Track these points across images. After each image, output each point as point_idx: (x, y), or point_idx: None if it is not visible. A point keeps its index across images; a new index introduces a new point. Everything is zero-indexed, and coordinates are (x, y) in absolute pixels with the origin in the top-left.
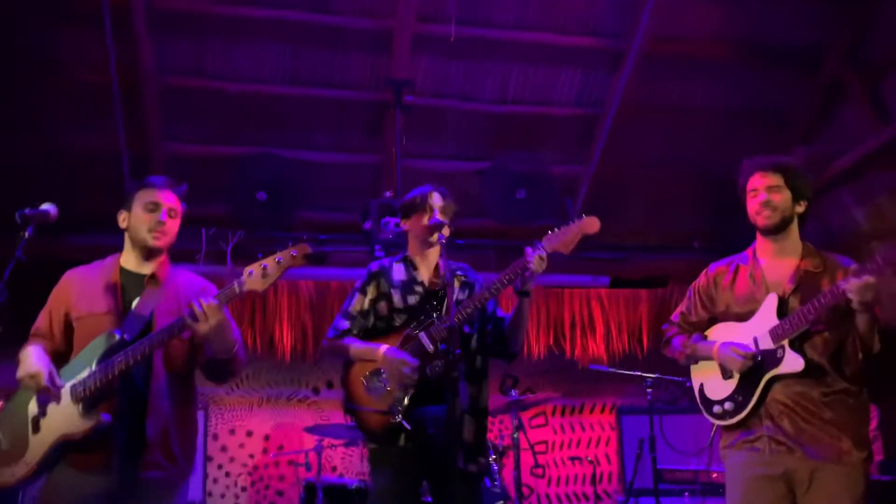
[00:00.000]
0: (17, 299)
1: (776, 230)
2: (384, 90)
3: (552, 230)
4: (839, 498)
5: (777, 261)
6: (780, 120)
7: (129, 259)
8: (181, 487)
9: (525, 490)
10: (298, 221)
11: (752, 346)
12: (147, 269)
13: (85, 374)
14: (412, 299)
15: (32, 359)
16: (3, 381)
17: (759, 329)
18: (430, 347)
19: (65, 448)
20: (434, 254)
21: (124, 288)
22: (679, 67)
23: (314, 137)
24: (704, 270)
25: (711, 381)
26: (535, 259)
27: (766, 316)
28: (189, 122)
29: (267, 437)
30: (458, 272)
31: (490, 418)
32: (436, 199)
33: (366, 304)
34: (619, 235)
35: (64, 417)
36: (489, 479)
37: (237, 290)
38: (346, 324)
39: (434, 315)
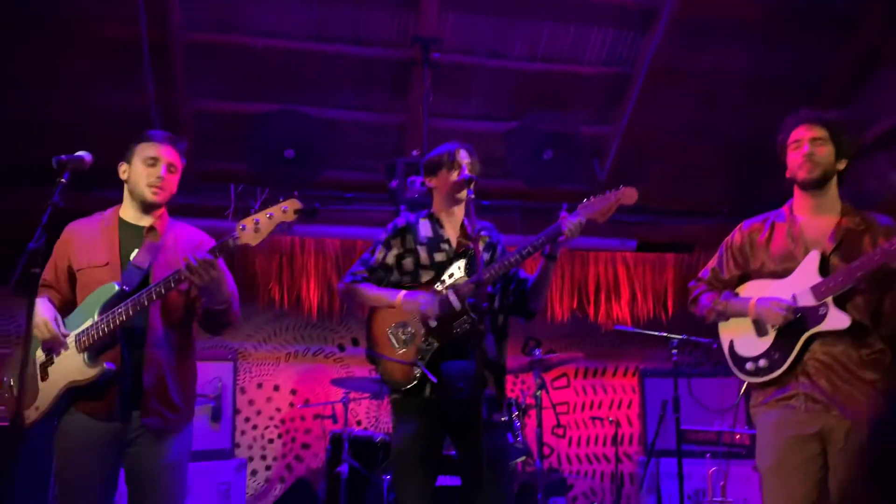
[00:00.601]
0: (51, 252)
1: (816, 185)
2: (411, 47)
3: (588, 198)
4: (848, 467)
5: (816, 218)
6: (814, 86)
7: (127, 211)
8: (182, 433)
9: (546, 449)
10: (325, 180)
11: (788, 301)
12: (146, 221)
13: (88, 324)
14: (439, 256)
15: (38, 309)
16: None
17: (797, 286)
18: (458, 305)
19: (72, 394)
20: (460, 211)
21: (122, 240)
22: (712, 30)
23: (340, 96)
24: (738, 227)
25: (743, 338)
26: (573, 225)
27: (807, 273)
28: (217, 78)
29: (294, 392)
30: (483, 232)
31: (512, 377)
32: (463, 156)
33: (389, 258)
34: (647, 199)
35: (70, 365)
36: (511, 434)
37: (230, 243)
38: (364, 272)
39: (460, 273)
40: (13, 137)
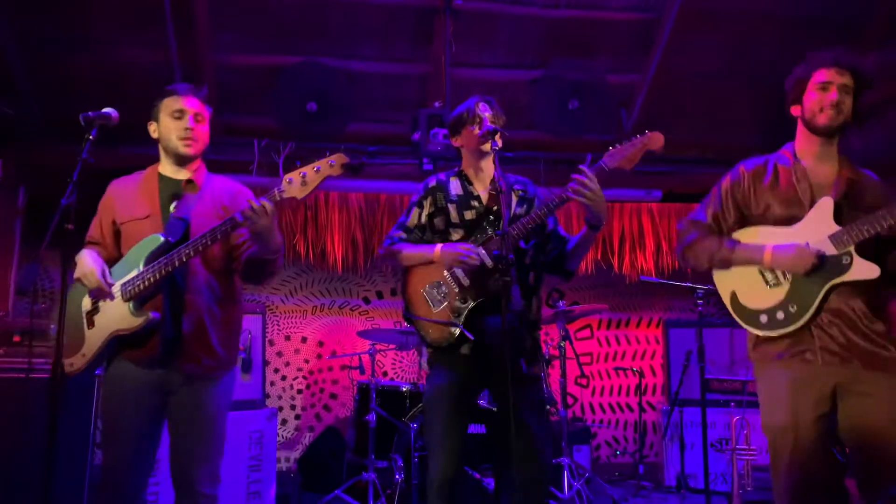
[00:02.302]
0: (83, 203)
1: (833, 133)
2: None
3: (614, 146)
4: (893, 411)
5: (819, 165)
6: (852, 27)
7: (166, 167)
8: (224, 379)
9: (569, 399)
10: (348, 133)
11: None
12: (183, 174)
13: (133, 274)
14: (469, 214)
15: (87, 260)
16: (73, 278)
17: (811, 235)
18: (490, 262)
19: (118, 342)
20: (489, 166)
21: (162, 193)
22: None
23: (363, 47)
24: (738, 168)
25: (749, 289)
26: (579, 186)
27: (821, 221)
28: (238, 31)
29: (321, 343)
30: (517, 186)
31: None
32: (483, 108)
33: (422, 218)
34: (676, 148)
35: (117, 314)
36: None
37: (277, 196)
38: (402, 234)
39: (490, 231)
40: (39, 94)
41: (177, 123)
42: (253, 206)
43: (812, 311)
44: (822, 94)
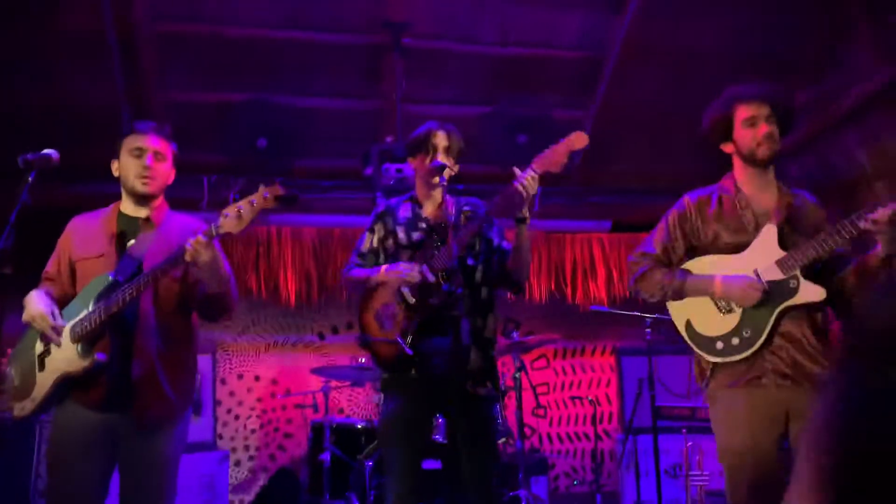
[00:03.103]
0: (22, 246)
1: (772, 163)
2: (381, 33)
3: (541, 152)
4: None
5: (760, 193)
6: (788, 63)
7: (126, 205)
8: (175, 426)
9: (527, 430)
10: (300, 168)
11: (756, 279)
12: (143, 212)
13: (83, 314)
14: (416, 235)
15: (35, 302)
16: (10, 323)
17: (758, 261)
18: (432, 279)
19: (67, 385)
20: (439, 194)
21: (121, 231)
22: (684, 7)
23: (314, 83)
24: (684, 200)
25: (703, 317)
26: (526, 180)
27: (766, 247)
28: (187, 68)
29: (274, 381)
30: (466, 207)
31: None
32: (440, 139)
33: (374, 243)
34: (622, 179)
35: (65, 356)
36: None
37: (213, 231)
38: (357, 260)
39: (436, 248)
40: None
41: (135, 162)
42: (186, 248)
43: (765, 335)
44: (753, 129)
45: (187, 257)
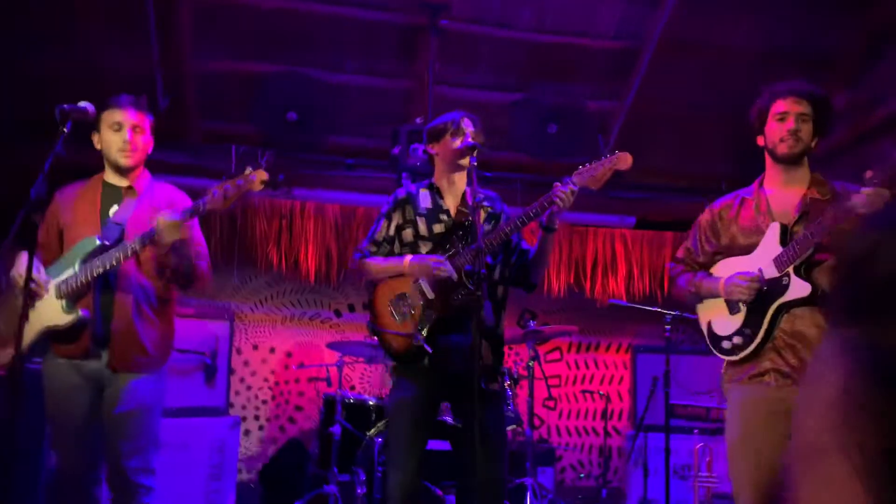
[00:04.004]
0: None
1: (793, 161)
2: (418, 13)
3: (584, 165)
4: None
5: (784, 190)
6: (825, 62)
7: (109, 175)
8: (153, 377)
9: (536, 420)
10: (327, 144)
11: (754, 273)
12: (125, 182)
13: (68, 273)
14: (438, 228)
15: (20, 261)
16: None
17: (763, 260)
18: (455, 275)
19: (49, 337)
20: (461, 181)
21: (104, 199)
22: (722, 3)
23: (346, 59)
24: (709, 206)
25: (719, 318)
26: (564, 194)
27: (770, 245)
28: (222, 39)
29: (289, 354)
30: (486, 203)
31: (506, 348)
32: (467, 124)
33: (391, 230)
34: (650, 175)
35: (49, 310)
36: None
37: (200, 208)
38: (371, 248)
39: (459, 245)
40: (18, 95)
41: (115, 136)
42: (157, 225)
43: (762, 334)
44: (781, 124)
45: (155, 234)
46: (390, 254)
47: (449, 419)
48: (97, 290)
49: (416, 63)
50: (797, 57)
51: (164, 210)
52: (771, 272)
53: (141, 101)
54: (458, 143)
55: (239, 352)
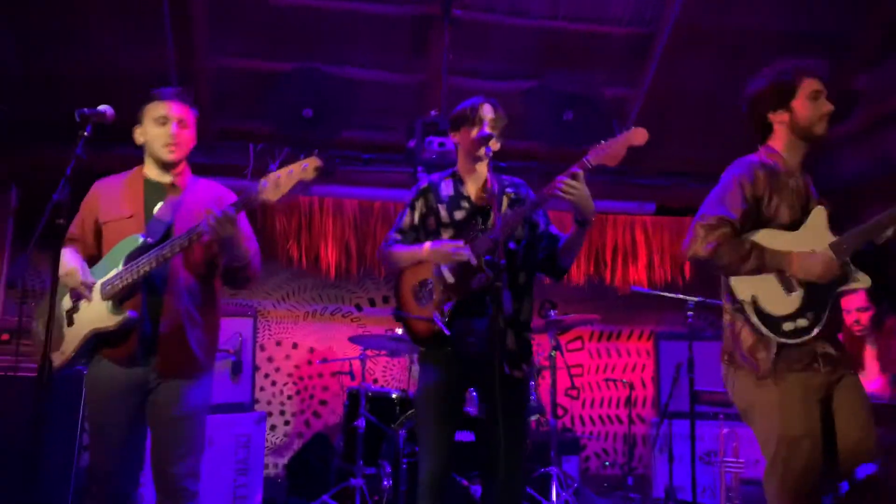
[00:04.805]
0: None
1: (821, 141)
2: (431, 3)
3: (598, 143)
4: (861, 405)
5: (800, 170)
6: (842, 47)
7: (150, 170)
8: (200, 383)
9: (559, 410)
10: (343, 140)
11: (832, 256)
12: (167, 178)
13: (113, 273)
14: (459, 214)
15: (68, 258)
16: None
17: (813, 242)
18: (474, 260)
19: (96, 341)
20: (483, 169)
21: (147, 195)
22: None
23: (360, 54)
24: (753, 169)
25: (770, 295)
26: (565, 185)
27: (818, 229)
28: (236, 35)
29: (312, 350)
30: (509, 189)
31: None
32: (486, 111)
33: (415, 219)
34: (668, 162)
35: (95, 313)
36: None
37: (251, 199)
38: (398, 236)
39: (479, 230)
40: (34, 94)
41: (160, 130)
42: (209, 220)
43: (825, 318)
44: (815, 103)
45: (209, 231)
46: (414, 242)
47: (473, 410)
48: (144, 291)
49: (430, 55)
50: (813, 41)
51: (212, 206)
52: None
53: (186, 95)
54: (474, 132)
55: (262, 348)
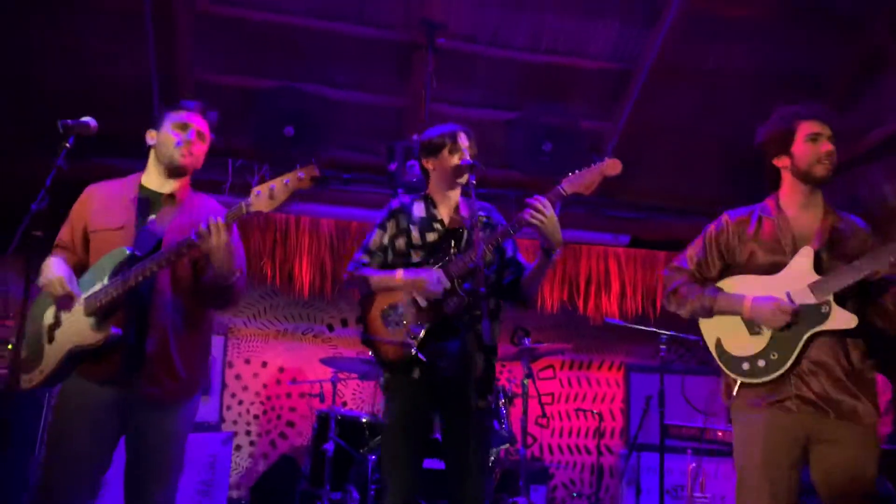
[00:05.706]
0: (54, 212)
1: (827, 182)
2: (415, 31)
3: (573, 172)
4: (859, 458)
5: (803, 214)
6: (817, 87)
7: (150, 178)
8: (184, 405)
9: (529, 439)
10: (323, 159)
11: (788, 302)
12: (167, 188)
13: (97, 287)
14: (431, 236)
15: (53, 267)
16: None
17: (792, 284)
18: (447, 284)
19: (77, 358)
20: (455, 194)
21: (141, 205)
22: (718, 26)
23: (343, 75)
24: (723, 219)
25: (732, 336)
26: (533, 215)
27: (801, 270)
28: (220, 51)
29: (281, 369)
30: (481, 213)
31: (499, 365)
32: (463, 139)
33: (385, 240)
34: (643, 195)
35: (77, 328)
36: (497, 421)
37: (244, 209)
38: (365, 258)
39: (452, 253)
40: (18, 105)
41: (178, 133)
42: (200, 229)
43: (792, 359)
44: (815, 145)
45: (197, 238)
46: (383, 263)
47: (440, 436)
48: (130, 307)
49: (412, 80)
50: (789, 81)
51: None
52: (805, 298)
53: (212, 115)
54: (455, 159)
55: (231, 365)
